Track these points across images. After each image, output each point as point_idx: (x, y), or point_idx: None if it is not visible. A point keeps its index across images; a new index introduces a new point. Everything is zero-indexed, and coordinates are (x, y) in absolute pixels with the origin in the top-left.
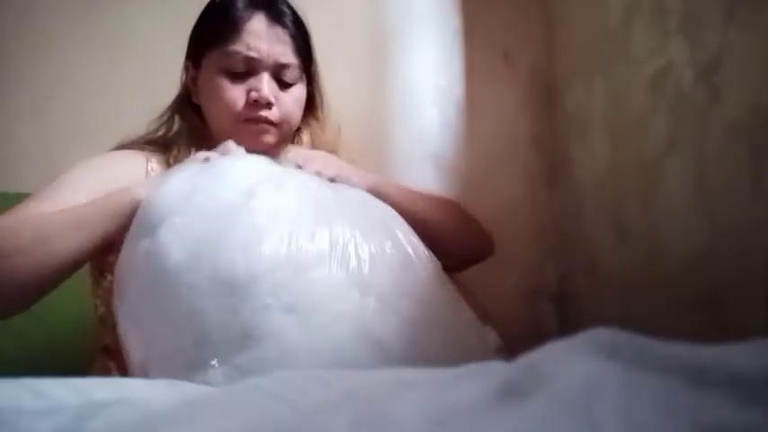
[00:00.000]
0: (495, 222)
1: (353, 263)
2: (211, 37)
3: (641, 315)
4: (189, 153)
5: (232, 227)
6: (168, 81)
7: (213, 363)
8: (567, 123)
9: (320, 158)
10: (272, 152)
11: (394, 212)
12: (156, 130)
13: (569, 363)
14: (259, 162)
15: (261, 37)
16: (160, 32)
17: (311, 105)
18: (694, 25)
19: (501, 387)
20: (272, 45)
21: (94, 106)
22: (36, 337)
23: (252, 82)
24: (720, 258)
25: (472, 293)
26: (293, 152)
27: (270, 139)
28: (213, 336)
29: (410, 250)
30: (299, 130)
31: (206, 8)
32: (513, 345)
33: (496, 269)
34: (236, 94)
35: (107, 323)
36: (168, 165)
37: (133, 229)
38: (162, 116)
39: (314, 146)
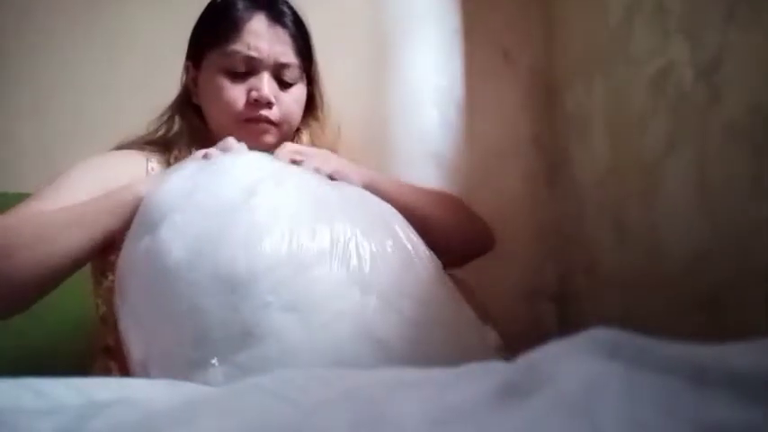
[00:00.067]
0: (495, 222)
1: (354, 261)
2: (212, 37)
3: (641, 315)
4: (189, 153)
5: (233, 225)
6: (168, 81)
7: (213, 361)
8: (567, 123)
9: (318, 155)
10: (272, 151)
11: (394, 211)
12: (157, 131)
13: (570, 362)
14: (260, 159)
15: (261, 37)
16: (160, 32)
17: (311, 105)
18: (694, 25)
19: (501, 387)
20: (272, 45)
21: (94, 106)
22: (36, 336)
23: (252, 82)
24: (720, 258)
25: (472, 293)
26: (288, 147)
27: (270, 138)
28: (214, 334)
29: (411, 249)
30: (298, 130)
31: (206, 9)
32: (513, 345)
33: (496, 269)
34: (237, 94)
35: (108, 322)
36: (168, 165)
37: (134, 227)
38: (162, 116)
39: (313, 146)
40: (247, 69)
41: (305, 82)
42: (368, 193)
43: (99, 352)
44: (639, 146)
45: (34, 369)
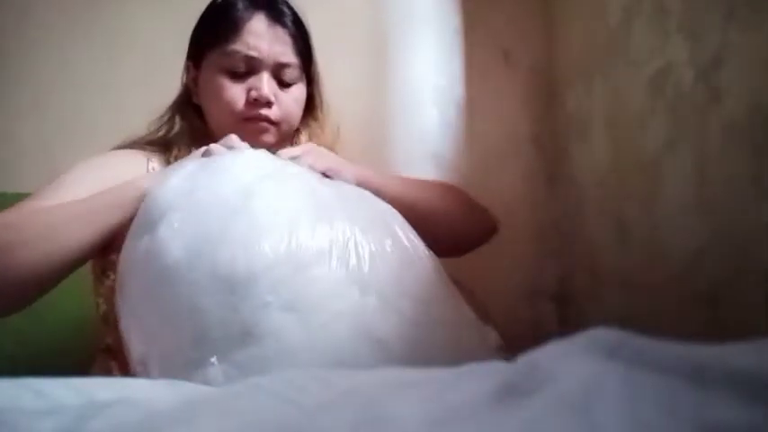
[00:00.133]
0: None
1: (353, 261)
2: (212, 37)
3: (641, 315)
4: (189, 153)
5: (232, 224)
6: (168, 79)
7: (213, 360)
8: (567, 123)
9: (313, 151)
10: (271, 150)
11: (393, 210)
12: (157, 131)
13: (570, 363)
14: (259, 158)
15: (261, 37)
16: (160, 30)
17: (311, 105)
18: (694, 25)
19: (501, 387)
20: (272, 45)
21: (94, 105)
22: (36, 336)
23: (252, 81)
24: (720, 258)
25: (472, 293)
26: (285, 151)
27: (269, 138)
28: (213, 333)
29: (410, 248)
30: (297, 130)
31: (206, 9)
32: (513, 345)
33: (496, 269)
34: (237, 93)
35: (109, 322)
36: (168, 165)
37: (134, 226)
38: (162, 116)
39: None
40: (247, 69)
41: (304, 82)
42: (367, 193)
43: (99, 351)
44: (639, 146)
45: (34, 368)
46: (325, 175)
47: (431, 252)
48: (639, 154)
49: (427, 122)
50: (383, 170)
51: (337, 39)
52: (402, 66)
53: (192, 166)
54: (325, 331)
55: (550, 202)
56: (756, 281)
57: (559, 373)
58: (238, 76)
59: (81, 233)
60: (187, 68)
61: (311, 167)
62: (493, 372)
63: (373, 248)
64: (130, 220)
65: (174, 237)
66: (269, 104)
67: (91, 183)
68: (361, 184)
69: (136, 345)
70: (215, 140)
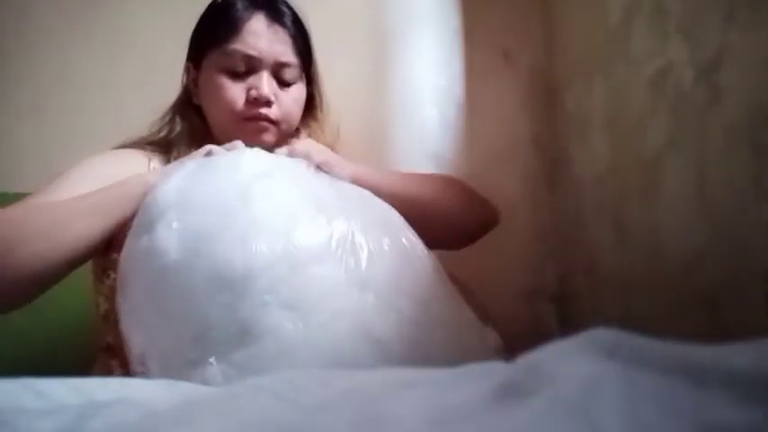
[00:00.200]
0: None
1: (352, 260)
2: (211, 37)
3: (641, 315)
4: (190, 154)
5: (229, 223)
6: (168, 79)
7: (211, 361)
8: (567, 123)
9: (309, 146)
10: (271, 150)
11: (393, 209)
12: (158, 131)
13: (569, 363)
14: (258, 157)
15: (261, 36)
16: (160, 30)
17: (310, 105)
18: (694, 25)
19: (501, 387)
20: (271, 44)
21: (94, 105)
22: (37, 335)
23: (252, 80)
24: (720, 258)
25: (472, 293)
26: (281, 149)
27: (269, 137)
28: (211, 333)
29: (409, 248)
30: (297, 130)
31: (206, 9)
32: (513, 345)
33: (496, 269)
34: (236, 93)
35: (110, 321)
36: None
37: (134, 225)
38: (163, 117)
39: None
40: (247, 68)
41: (304, 82)
42: (367, 192)
43: (100, 351)
44: (639, 146)
45: (35, 368)
46: (321, 169)
47: (430, 252)
48: (639, 154)
49: (427, 122)
50: (382, 167)
51: (337, 39)
52: (402, 66)
53: (191, 166)
54: (324, 330)
55: (550, 202)
56: (756, 281)
57: (559, 374)
58: (238, 76)
59: (89, 226)
60: (187, 69)
61: (307, 160)
62: (492, 372)
63: (372, 248)
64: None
65: (172, 236)
66: (269, 104)
67: (92, 181)
68: (359, 182)
69: (136, 344)
70: (215, 141)
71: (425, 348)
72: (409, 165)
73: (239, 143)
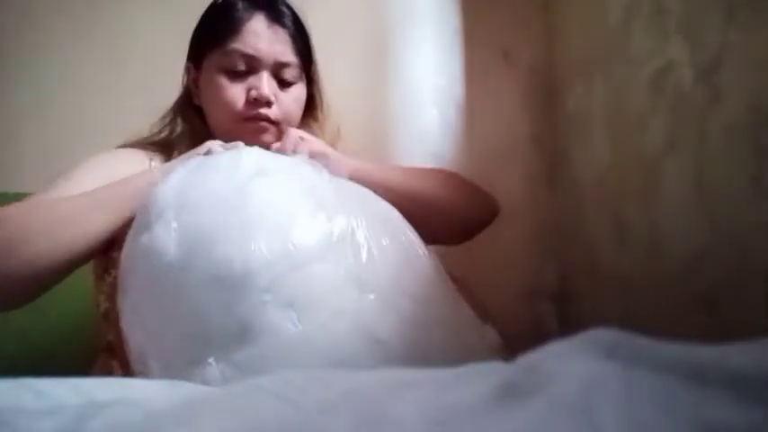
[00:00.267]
0: (495, 222)
1: (352, 259)
2: (211, 38)
3: (641, 314)
4: None
5: (228, 222)
6: (169, 81)
7: (210, 361)
8: (567, 123)
9: (316, 141)
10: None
11: (392, 208)
12: (159, 132)
13: (569, 363)
14: (257, 155)
15: (261, 36)
16: (161, 32)
17: (311, 106)
18: (694, 25)
19: (501, 387)
20: (271, 44)
21: (95, 106)
22: (37, 334)
23: (252, 81)
24: (720, 258)
25: (471, 292)
26: (293, 133)
27: (269, 137)
28: (211, 332)
29: (409, 247)
30: None
31: (207, 10)
32: (513, 345)
33: (496, 269)
34: (237, 93)
35: (110, 320)
36: None
37: (135, 224)
38: (164, 118)
39: None
40: (247, 68)
41: (304, 82)
42: (366, 190)
43: (100, 350)
44: (639, 146)
45: (35, 367)
46: (315, 157)
47: (430, 250)
48: (639, 154)
49: (427, 122)
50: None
51: (337, 39)
52: (402, 66)
53: (190, 165)
54: (324, 330)
55: (550, 202)
56: (756, 281)
57: (559, 374)
58: (238, 76)
59: (94, 224)
60: (187, 70)
61: (311, 154)
62: (492, 372)
63: (372, 246)
64: None
65: (170, 235)
66: (269, 104)
67: (96, 179)
68: (360, 178)
69: (136, 343)
70: None
71: (425, 347)
72: (409, 164)
73: (240, 144)
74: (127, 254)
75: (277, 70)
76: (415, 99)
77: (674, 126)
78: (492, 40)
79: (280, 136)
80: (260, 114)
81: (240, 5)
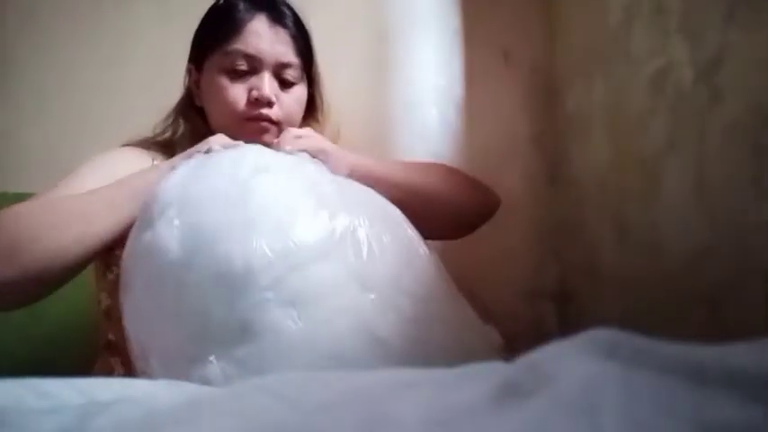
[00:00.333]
0: (495, 222)
1: (353, 257)
2: (213, 39)
3: (642, 314)
4: None
5: (230, 220)
6: (172, 82)
7: (211, 359)
8: (567, 123)
9: (316, 137)
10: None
11: (393, 206)
12: (162, 133)
13: (570, 363)
14: (259, 153)
15: (262, 37)
16: (164, 33)
17: (311, 107)
18: (694, 25)
19: (501, 387)
20: (273, 45)
21: (98, 107)
22: (38, 333)
23: (253, 81)
24: (720, 258)
25: (473, 293)
26: (293, 132)
27: (270, 138)
28: (212, 330)
29: (410, 246)
30: None
31: (208, 11)
32: (513, 345)
33: (496, 269)
34: (238, 93)
35: (112, 317)
36: None
37: (137, 221)
38: (166, 119)
39: None
40: (248, 69)
41: (305, 83)
42: (368, 189)
43: (101, 349)
44: (639, 146)
45: (36, 366)
46: (317, 157)
47: (431, 249)
48: (639, 154)
49: (427, 122)
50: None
51: (338, 39)
52: (402, 66)
53: (192, 162)
54: (325, 328)
55: (550, 202)
56: (756, 281)
57: (559, 374)
58: (239, 77)
59: (111, 220)
60: (189, 71)
61: (304, 149)
62: (493, 372)
63: (373, 245)
64: None
65: (172, 233)
66: (270, 104)
67: (103, 177)
68: (361, 173)
69: (137, 340)
70: None
71: (425, 346)
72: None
73: (241, 143)
74: (129, 251)
75: (278, 71)
76: (415, 99)
77: (674, 126)
78: (492, 40)
79: (280, 136)
80: (261, 114)
81: (242, 6)
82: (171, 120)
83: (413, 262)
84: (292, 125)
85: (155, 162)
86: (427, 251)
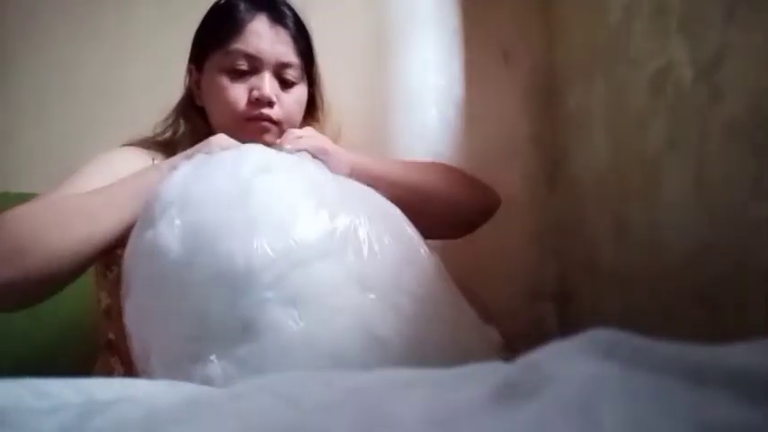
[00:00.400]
0: (495, 221)
1: (353, 256)
2: (214, 39)
3: (642, 313)
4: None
5: (231, 219)
6: (173, 82)
7: (212, 358)
8: (567, 123)
9: (317, 137)
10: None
11: (393, 206)
12: (163, 132)
13: (569, 363)
14: (260, 153)
15: (263, 37)
16: (165, 34)
17: (311, 107)
18: (694, 25)
19: (501, 387)
20: (273, 45)
21: (98, 107)
22: (38, 333)
23: (253, 81)
24: (720, 258)
25: (474, 292)
26: (294, 133)
27: (271, 138)
28: (213, 329)
29: (410, 246)
30: None
31: (209, 11)
32: (513, 345)
33: (496, 269)
34: (238, 93)
35: (112, 316)
36: None
37: (139, 221)
38: (167, 119)
39: None
40: (249, 69)
41: (306, 83)
42: (369, 189)
43: (101, 348)
44: (639, 145)
45: (36, 366)
46: (317, 157)
47: (432, 250)
48: (639, 154)
49: (427, 122)
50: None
51: (338, 39)
52: (402, 66)
53: (193, 162)
54: (325, 327)
55: (550, 202)
56: (756, 281)
57: (559, 374)
58: (240, 76)
59: (115, 219)
60: (189, 71)
61: (304, 148)
62: (492, 372)
63: (373, 244)
64: None
65: (173, 233)
66: (270, 104)
67: (107, 176)
68: (361, 171)
69: (138, 339)
70: None
71: (424, 345)
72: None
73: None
74: (131, 250)
75: (279, 71)
76: (415, 99)
77: (674, 126)
78: (492, 40)
79: (281, 136)
80: (262, 114)
81: (242, 6)
82: (171, 120)
83: (413, 262)
84: (293, 125)
85: (155, 161)
86: (428, 251)
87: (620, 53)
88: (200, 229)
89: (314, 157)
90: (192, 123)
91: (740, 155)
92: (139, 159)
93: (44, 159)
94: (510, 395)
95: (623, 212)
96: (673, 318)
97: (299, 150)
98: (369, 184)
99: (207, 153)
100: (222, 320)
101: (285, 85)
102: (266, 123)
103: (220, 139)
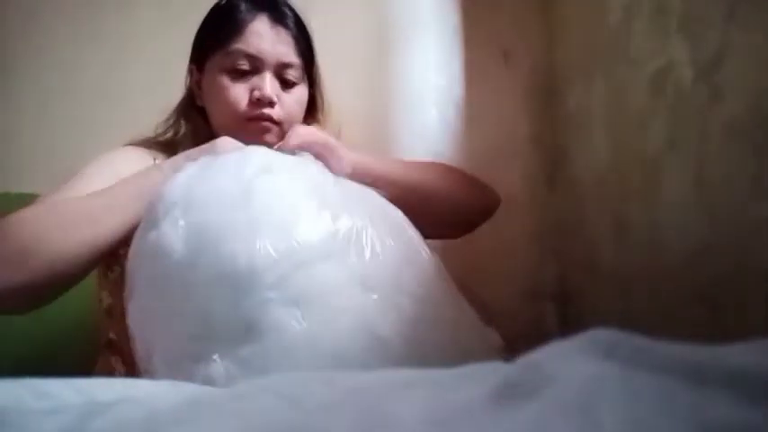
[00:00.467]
0: (495, 221)
1: (355, 257)
2: (215, 39)
3: (642, 313)
4: None
5: (233, 220)
6: (173, 83)
7: (215, 357)
8: (567, 123)
9: (323, 139)
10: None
11: (396, 208)
12: (164, 133)
13: (569, 363)
14: (263, 154)
15: (264, 37)
16: (165, 35)
17: (312, 107)
18: (694, 25)
19: (501, 388)
20: (274, 45)
21: (99, 108)
22: (38, 332)
23: (254, 81)
24: (720, 258)
25: (474, 293)
26: (301, 130)
27: (272, 138)
28: (215, 329)
29: (411, 246)
30: None
31: (210, 12)
32: (513, 345)
33: (496, 269)
34: (239, 93)
35: (113, 315)
36: None
37: (142, 221)
38: (168, 119)
39: None
40: (250, 69)
41: (306, 83)
42: (370, 190)
43: (102, 347)
44: (639, 145)
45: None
46: (319, 158)
47: (432, 250)
48: (639, 154)
49: (427, 122)
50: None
51: (338, 39)
52: (402, 66)
53: (197, 163)
54: (327, 328)
55: (550, 202)
56: (756, 280)
57: (559, 374)
58: (241, 77)
59: (118, 221)
60: (190, 71)
61: (304, 147)
62: (492, 372)
63: (375, 245)
64: None
65: (177, 233)
66: (271, 104)
67: (109, 177)
68: (361, 171)
69: (141, 339)
70: None
71: (424, 346)
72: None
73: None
74: (134, 251)
75: (279, 71)
76: (414, 99)
77: (674, 126)
78: (492, 40)
79: (282, 136)
80: (263, 114)
81: (243, 7)
82: (172, 120)
83: (414, 262)
84: (293, 125)
85: (156, 161)
86: (428, 252)
87: (620, 53)
88: (204, 229)
89: (316, 157)
90: (193, 124)
91: (740, 155)
92: (141, 159)
93: (45, 160)
94: (510, 395)
95: (623, 212)
96: (673, 318)
97: (302, 150)
98: (369, 183)
99: (212, 155)
100: (225, 321)
101: (286, 85)
102: (267, 123)
103: (225, 141)
